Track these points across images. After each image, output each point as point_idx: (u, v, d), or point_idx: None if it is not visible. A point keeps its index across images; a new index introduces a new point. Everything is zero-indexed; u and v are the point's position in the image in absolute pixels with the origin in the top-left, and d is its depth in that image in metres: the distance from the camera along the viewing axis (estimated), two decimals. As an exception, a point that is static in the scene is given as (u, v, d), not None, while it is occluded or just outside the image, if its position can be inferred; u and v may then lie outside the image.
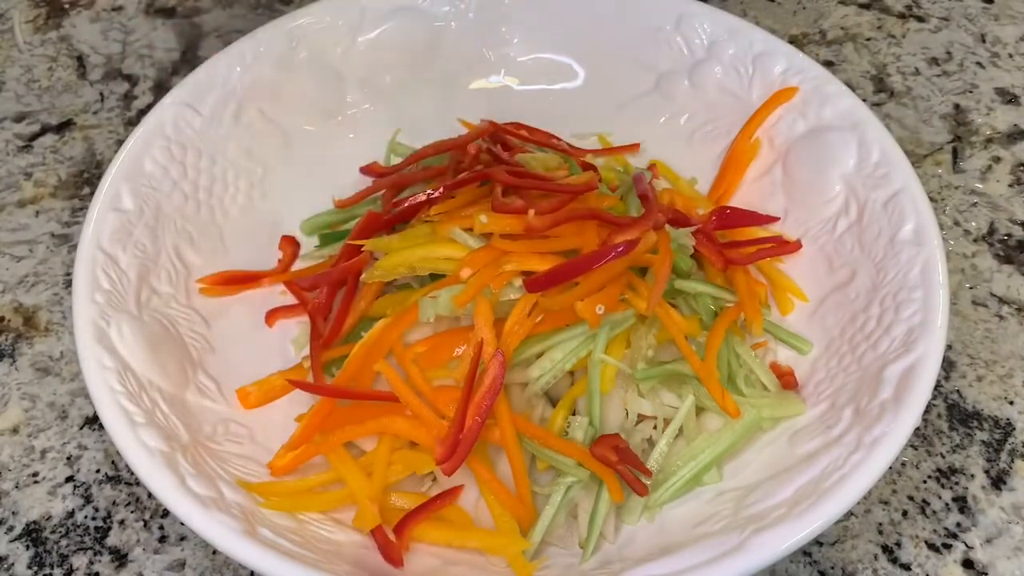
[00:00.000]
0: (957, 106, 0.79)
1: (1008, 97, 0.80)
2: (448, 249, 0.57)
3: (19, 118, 0.79)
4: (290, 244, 0.66)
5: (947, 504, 0.58)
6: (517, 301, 0.54)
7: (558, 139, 0.69)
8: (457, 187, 0.59)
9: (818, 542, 0.56)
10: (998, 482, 0.59)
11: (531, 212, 0.54)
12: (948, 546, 0.56)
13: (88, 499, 0.58)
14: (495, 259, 0.54)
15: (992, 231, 0.71)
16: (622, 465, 0.51)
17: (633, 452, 0.52)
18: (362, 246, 0.60)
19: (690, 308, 0.58)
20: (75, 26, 0.86)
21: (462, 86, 0.73)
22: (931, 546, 0.56)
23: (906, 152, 0.60)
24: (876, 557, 0.56)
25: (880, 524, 0.57)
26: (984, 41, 0.84)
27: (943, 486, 0.59)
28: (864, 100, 0.64)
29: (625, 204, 0.61)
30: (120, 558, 0.56)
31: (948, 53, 0.83)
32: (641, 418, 0.55)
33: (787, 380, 0.58)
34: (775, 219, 0.64)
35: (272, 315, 0.63)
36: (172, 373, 0.55)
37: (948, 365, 0.64)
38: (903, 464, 0.59)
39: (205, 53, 0.83)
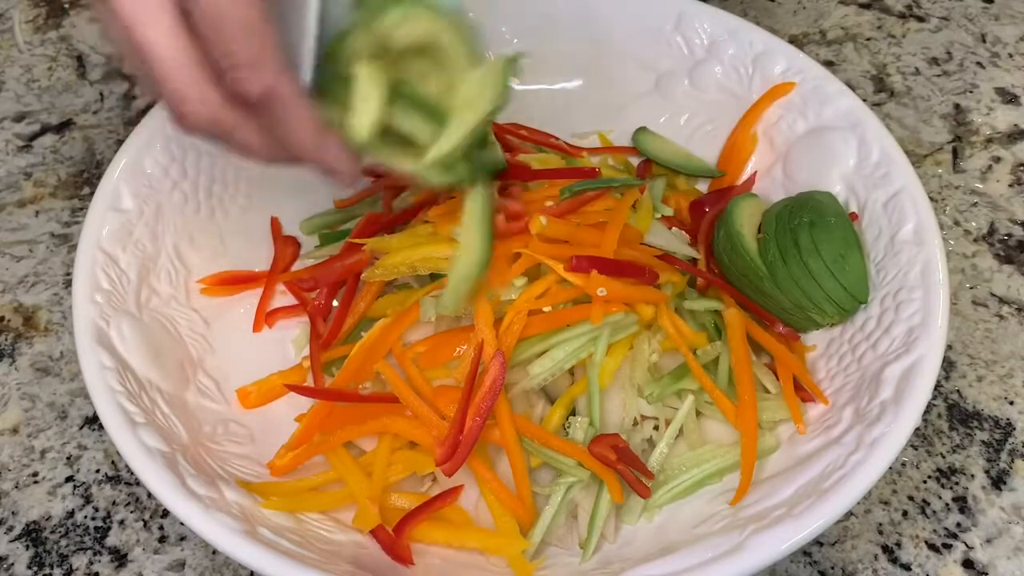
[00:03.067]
0: (957, 106, 0.79)
1: (1008, 97, 0.80)
2: (450, 248, 0.57)
3: (19, 118, 0.79)
4: (290, 244, 0.66)
5: (947, 504, 0.58)
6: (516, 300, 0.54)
7: (556, 138, 0.69)
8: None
9: (818, 542, 0.56)
10: (998, 482, 0.59)
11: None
12: (948, 546, 0.56)
13: (88, 499, 0.58)
14: (496, 251, 0.55)
15: (992, 231, 0.71)
16: (621, 464, 0.51)
17: (632, 452, 0.52)
18: (362, 246, 0.60)
19: (698, 324, 0.58)
20: (75, 26, 0.86)
21: (462, 86, 0.73)
22: (931, 546, 0.56)
23: (906, 152, 0.60)
24: (876, 557, 0.56)
25: (880, 524, 0.57)
26: (984, 41, 0.84)
27: (943, 486, 0.59)
28: (864, 100, 0.64)
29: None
30: (120, 558, 0.56)
31: (948, 53, 0.83)
32: (641, 418, 0.55)
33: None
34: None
35: (272, 315, 0.63)
36: (172, 373, 0.55)
37: (948, 365, 0.64)
38: (903, 464, 0.59)
39: (205, 53, 0.83)
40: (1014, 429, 0.61)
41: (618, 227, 0.56)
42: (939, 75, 0.82)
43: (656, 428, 0.55)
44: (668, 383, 0.54)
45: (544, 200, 0.58)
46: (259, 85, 0.43)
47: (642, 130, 0.70)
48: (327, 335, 0.59)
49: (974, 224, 0.72)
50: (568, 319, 0.54)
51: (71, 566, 0.56)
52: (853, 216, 0.59)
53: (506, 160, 0.61)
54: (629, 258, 0.56)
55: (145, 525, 0.57)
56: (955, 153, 0.76)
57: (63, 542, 0.57)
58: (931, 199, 0.59)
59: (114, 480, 0.59)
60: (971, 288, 0.68)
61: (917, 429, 0.59)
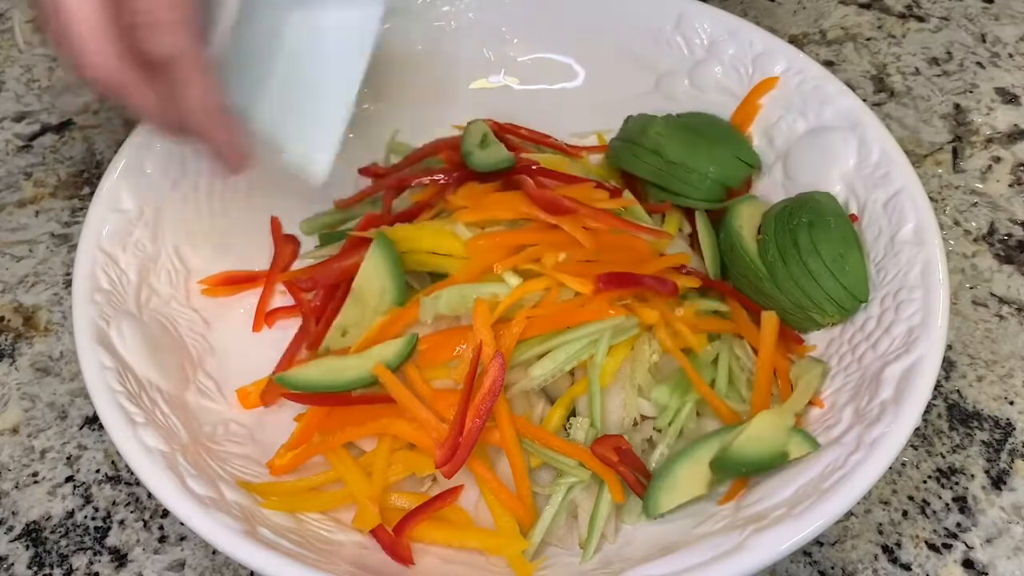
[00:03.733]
0: (957, 106, 0.79)
1: (1008, 97, 0.80)
2: (451, 246, 0.57)
3: (19, 118, 0.79)
4: (290, 243, 0.66)
5: (947, 504, 0.58)
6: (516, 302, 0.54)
7: (554, 139, 0.69)
8: (466, 180, 0.61)
9: (818, 542, 0.56)
10: (998, 482, 0.59)
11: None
12: (948, 546, 0.56)
13: (88, 499, 0.58)
14: (496, 245, 0.55)
15: (992, 231, 0.71)
16: (623, 466, 0.51)
17: (635, 454, 0.52)
18: (362, 247, 0.60)
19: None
20: (75, 26, 0.86)
21: (462, 86, 0.73)
22: (931, 546, 0.56)
23: (906, 152, 0.60)
24: (876, 557, 0.56)
25: (880, 524, 0.57)
26: (984, 41, 0.84)
27: (943, 486, 0.59)
28: (864, 100, 0.64)
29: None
30: (120, 558, 0.56)
31: (948, 53, 0.83)
32: (641, 418, 0.55)
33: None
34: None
35: (272, 315, 0.63)
36: (172, 373, 0.55)
37: (948, 365, 0.64)
38: (903, 464, 0.59)
39: (205, 53, 0.83)
40: (1014, 429, 0.61)
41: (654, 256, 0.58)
42: (939, 75, 0.82)
43: (658, 430, 0.55)
44: (672, 393, 0.55)
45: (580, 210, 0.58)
46: (167, 46, 0.42)
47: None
48: (313, 337, 0.59)
49: (974, 224, 0.72)
50: (569, 321, 0.54)
51: (71, 566, 0.56)
52: (853, 217, 0.60)
53: (514, 158, 0.61)
54: (650, 271, 0.56)
55: (145, 525, 0.57)
56: (955, 153, 0.76)
57: (63, 542, 0.57)
58: (931, 199, 0.59)
59: (114, 480, 0.59)
60: (971, 288, 0.68)
61: (917, 429, 0.59)
